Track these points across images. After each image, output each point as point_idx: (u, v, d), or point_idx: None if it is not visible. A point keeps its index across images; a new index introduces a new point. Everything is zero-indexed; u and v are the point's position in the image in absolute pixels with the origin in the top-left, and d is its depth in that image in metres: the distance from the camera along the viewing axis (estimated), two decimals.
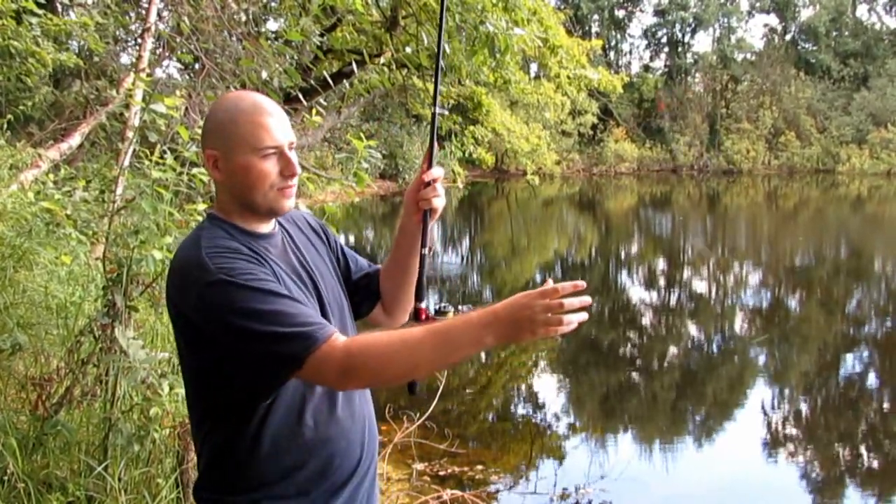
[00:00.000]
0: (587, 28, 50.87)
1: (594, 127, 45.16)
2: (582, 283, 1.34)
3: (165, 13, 7.20)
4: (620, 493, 4.93)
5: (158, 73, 7.88)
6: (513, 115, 17.42)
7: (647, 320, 11.07)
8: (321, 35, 7.91)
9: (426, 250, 1.69)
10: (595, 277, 14.98)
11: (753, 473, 5.52)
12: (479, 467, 5.17)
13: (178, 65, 9.23)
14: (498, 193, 36.79)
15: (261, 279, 1.44)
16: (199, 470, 1.63)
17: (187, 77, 8.67)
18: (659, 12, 54.65)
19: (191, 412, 1.63)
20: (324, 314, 1.60)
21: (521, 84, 11.09)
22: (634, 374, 8.16)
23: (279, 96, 5.86)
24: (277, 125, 1.54)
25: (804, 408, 7.16)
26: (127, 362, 3.07)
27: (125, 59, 9.07)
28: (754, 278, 14.60)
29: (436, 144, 1.71)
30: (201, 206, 3.59)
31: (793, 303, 12.24)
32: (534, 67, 18.39)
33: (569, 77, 11.76)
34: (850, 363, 8.48)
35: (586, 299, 1.33)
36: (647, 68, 56.03)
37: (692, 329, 10.44)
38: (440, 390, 5.41)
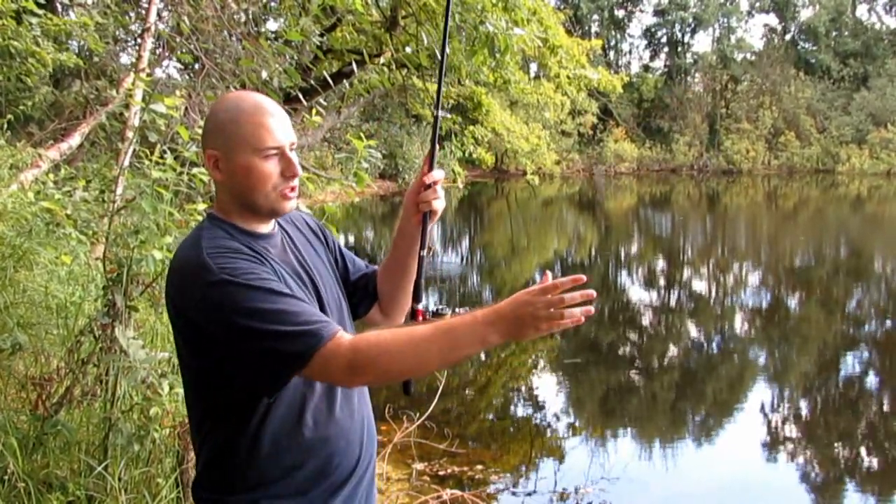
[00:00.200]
0: (587, 28, 50.89)
1: (594, 127, 45.22)
2: (582, 278, 1.35)
3: (165, 13, 7.20)
4: (620, 493, 4.93)
5: (158, 73, 7.88)
6: (512, 115, 17.41)
7: (646, 320, 11.07)
8: (321, 35, 7.92)
9: (425, 252, 1.69)
10: (595, 277, 14.98)
11: (753, 473, 5.52)
12: (479, 467, 5.17)
13: (178, 65, 9.24)
14: (498, 193, 36.80)
15: (263, 278, 1.44)
16: (198, 469, 1.63)
17: (187, 77, 8.67)
18: (659, 12, 54.71)
19: (190, 412, 1.63)
20: (322, 311, 1.60)
21: (520, 84, 11.10)
22: (634, 374, 8.16)
23: (279, 96, 5.86)
24: (279, 126, 1.53)
25: (804, 408, 7.16)
26: (127, 362, 3.07)
27: (125, 59, 9.07)
28: (754, 278, 14.60)
29: (437, 147, 1.70)
30: (201, 206, 3.59)
31: (792, 303, 12.24)
32: (533, 67, 18.40)
33: (568, 77, 11.77)
34: (850, 363, 8.48)
35: (589, 291, 1.35)
36: (646, 68, 56.12)
37: (692, 329, 10.44)
38: (440, 390, 5.41)
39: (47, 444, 3.15)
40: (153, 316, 4.35)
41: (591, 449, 5.85)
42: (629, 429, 6.47)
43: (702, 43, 72.81)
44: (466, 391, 7.26)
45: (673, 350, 9.27)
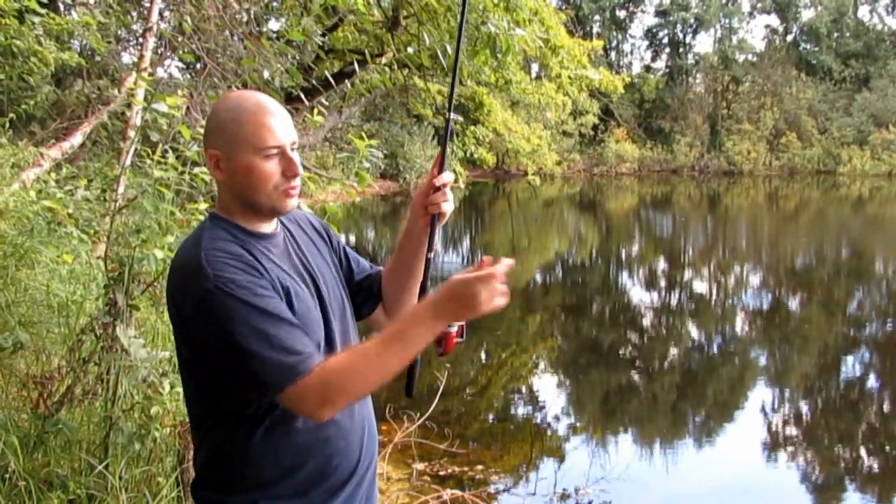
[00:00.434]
0: (588, 28, 50.92)
1: (595, 127, 45.22)
2: (512, 262, 1.45)
3: (167, 13, 7.21)
4: (620, 493, 4.94)
5: (160, 72, 7.88)
6: (514, 116, 17.42)
7: (647, 321, 11.07)
8: (323, 35, 7.91)
9: (432, 254, 1.69)
10: (596, 278, 14.99)
11: (754, 474, 5.52)
12: (480, 467, 5.17)
13: (180, 64, 9.25)
14: (499, 193, 36.80)
15: (258, 294, 1.44)
16: (197, 468, 1.63)
17: (189, 76, 8.68)
18: (660, 13, 54.69)
19: (189, 410, 1.63)
20: (325, 314, 1.61)
21: (522, 84, 11.11)
22: (635, 375, 8.16)
23: (281, 96, 5.86)
24: (280, 125, 1.53)
25: (804, 409, 7.16)
26: (128, 361, 3.07)
27: (127, 58, 9.09)
28: (755, 279, 14.60)
29: (448, 149, 1.70)
30: (203, 206, 3.60)
31: (793, 304, 12.24)
32: (535, 67, 18.39)
33: (570, 77, 11.78)
34: (851, 364, 8.48)
35: (508, 261, 1.45)
36: (648, 69, 56.11)
37: (692, 330, 10.44)
38: (440, 390, 5.42)
39: (48, 442, 3.16)
40: (154, 315, 4.35)
41: (591, 449, 5.86)
42: (630, 429, 6.47)
43: (703, 43, 73.01)
44: (467, 391, 7.26)
45: (673, 351, 9.27)
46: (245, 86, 5.71)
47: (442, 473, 4.99)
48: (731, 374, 8.12)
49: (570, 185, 41.27)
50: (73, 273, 5.15)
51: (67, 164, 6.94)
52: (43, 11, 5.90)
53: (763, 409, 6.92)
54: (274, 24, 10.58)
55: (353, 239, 19.06)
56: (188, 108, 5.24)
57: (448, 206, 1.68)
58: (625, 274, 15.77)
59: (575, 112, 34.59)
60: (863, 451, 6.02)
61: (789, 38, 54.01)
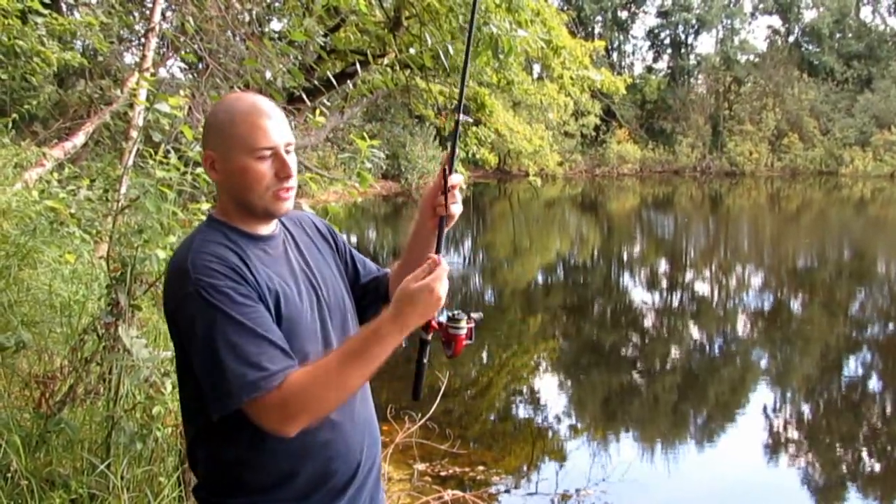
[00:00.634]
0: (590, 29, 50.91)
1: (597, 128, 45.21)
2: (435, 256, 1.47)
3: (169, 13, 7.23)
4: (622, 495, 4.94)
5: (162, 72, 7.89)
6: (516, 116, 17.43)
7: (648, 322, 11.06)
8: (325, 35, 7.92)
9: (439, 257, 1.67)
10: (597, 279, 14.98)
11: (755, 476, 5.52)
12: (481, 468, 5.17)
13: (182, 64, 9.26)
14: (500, 194, 36.80)
15: (235, 301, 1.44)
16: (198, 470, 1.63)
17: (191, 77, 8.69)
18: (662, 13, 54.66)
19: (186, 410, 1.64)
20: (322, 317, 1.61)
21: (524, 85, 11.12)
22: (636, 376, 8.15)
23: (283, 96, 5.86)
24: (274, 127, 1.53)
25: (806, 411, 7.15)
26: (130, 361, 3.08)
27: (129, 58, 9.10)
28: (756, 281, 14.59)
29: (456, 150, 1.68)
30: (205, 206, 3.60)
31: (795, 305, 12.23)
32: (537, 68, 18.38)
33: (572, 78, 11.77)
34: (853, 366, 8.47)
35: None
36: (649, 69, 56.07)
37: (694, 331, 10.43)
38: (442, 391, 5.42)
39: (50, 442, 3.16)
40: (156, 315, 4.36)
41: (592, 451, 5.86)
42: (631, 431, 6.47)
43: (705, 44, 72.95)
44: (468, 392, 7.26)
45: (675, 352, 9.26)
46: (247, 86, 5.71)
47: (443, 474, 5.00)
48: (732, 375, 8.12)
49: (572, 185, 41.25)
50: (76, 273, 5.16)
51: (70, 164, 6.95)
52: (46, 12, 5.92)
53: (764, 411, 6.92)
54: (276, 25, 10.58)
55: (354, 239, 19.06)
56: (190, 108, 5.25)
57: (456, 209, 1.67)
58: (626, 275, 15.77)
59: (577, 113, 34.63)
60: (864, 453, 6.01)
61: (791, 38, 53.97)
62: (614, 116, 47.31)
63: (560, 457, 5.78)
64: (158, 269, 3.18)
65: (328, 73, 8.48)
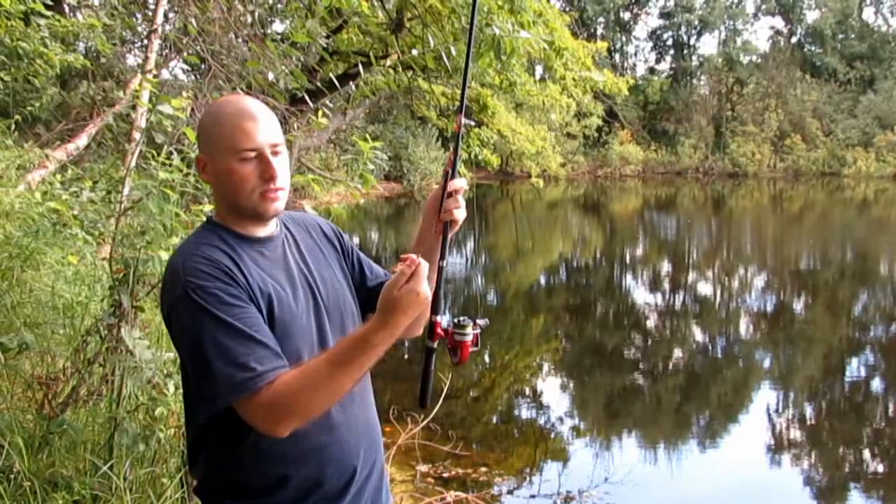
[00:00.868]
0: (592, 30, 50.91)
1: (599, 129, 45.17)
2: (413, 257, 1.43)
3: (172, 15, 7.24)
4: (624, 496, 4.93)
5: (165, 74, 7.91)
6: (518, 118, 17.45)
7: (651, 323, 11.05)
8: (327, 37, 7.92)
9: (444, 262, 1.64)
10: (600, 280, 14.97)
11: (758, 477, 5.51)
12: (483, 469, 5.17)
13: (185, 66, 9.27)
14: (503, 196, 36.79)
15: (224, 302, 1.45)
16: (199, 470, 1.63)
17: (194, 78, 8.71)
18: (664, 14, 54.65)
19: (188, 410, 1.63)
20: (319, 320, 1.61)
21: (526, 86, 11.13)
22: (639, 377, 8.15)
23: (285, 98, 5.87)
24: (257, 128, 1.54)
25: (809, 412, 7.14)
26: (133, 362, 3.08)
27: (132, 60, 9.12)
28: (759, 282, 14.57)
29: (459, 154, 1.67)
30: (207, 208, 3.61)
31: (798, 307, 12.22)
32: (539, 69, 18.41)
33: (574, 79, 11.79)
34: (856, 367, 8.46)
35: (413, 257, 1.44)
36: (652, 71, 56.07)
37: (697, 332, 10.42)
38: (444, 392, 5.42)
39: (53, 443, 3.16)
40: (159, 316, 4.35)
41: (595, 452, 5.85)
42: (634, 432, 6.46)
43: (707, 45, 72.57)
44: (471, 393, 7.26)
45: (678, 353, 9.25)
46: (249, 87, 5.72)
47: (446, 475, 4.99)
48: (735, 376, 8.11)
49: (574, 187, 41.24)
50: (79, 274, 5.17)
51: (73, 165, 6.97)
52: (48, 13, 5.93)
53: (767, 412, 6.91)
54: (278, 27, 10.60)
55: (357, 241, 19.06)
56: (193, 109, 5.25)
57: (460, 214, 1.65)
58: (629, 276, 15.75)
59: (579, 114, 34.58)
60: (867, 454, 6.00)
61: (794, 39, 53.94)
62: (617, 118, 47.28)
63: (563, 458, 5.78)
64: (161, 270, 3.18)
65: (331, 74, 8.50)
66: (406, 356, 7.38)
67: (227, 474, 1.56)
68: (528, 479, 5.25)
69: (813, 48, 52.54)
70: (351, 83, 9.68)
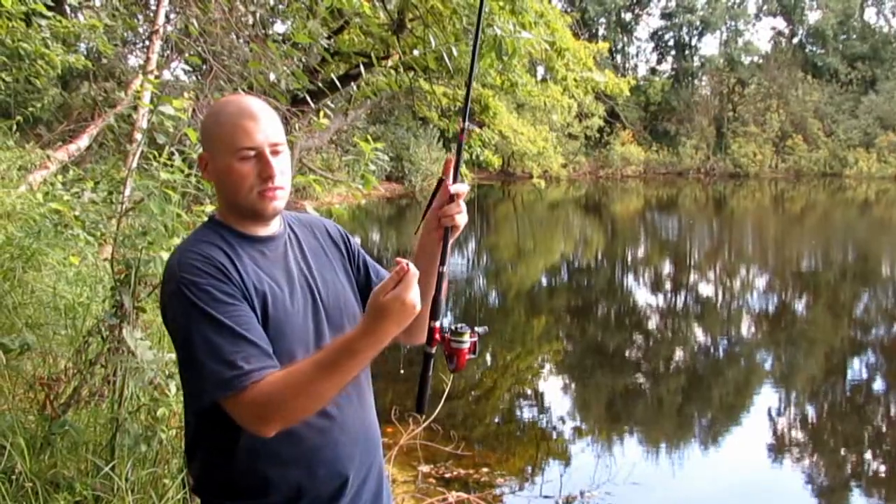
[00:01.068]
0: (594, 31, 50.90)
1: (601, 130, 45.17)
2: (404, 263, 1.40)
3: (173, 15, 7.23)
4: (626, 497, 4.92)
5: (166, 75, 7.91)
6: (520, 118, 17.45)
7: (653, 324, 11.05)
8: (328, 38, 7.92)
9: (444, 268, 1.60)
10: (601, 281, 14.97)
11: (760, 478, 5.51)
12: (485, 470, 5.16)
13: (186, 67, 9.27)
14: (504, 196, 36.79)
15: (216, 299, 1.45)
16: (194, 469, 1.64)
17: (195, 79, 8.71)
18: (666, 15, 54.67)
19: (186, 410, 1.65)
20: (316, 320, 1.60)
21: (527, 87, 11.11)
22: (640, 378, 8.14)
23: (286, 98, 5.87)
24: (256, 127, 1.54)
25: (811, 412, 7.14)
26: (134, 363, 3.08)
27: (133, 61, 9.12)
28: (761, 283, 14.57)
29: (461, 158, 1.63)
30: (209, 208, 3.61)
31: (799, 307, 12.21)
32: (541, 70, 18.41)
33: (575, 80, 11.78)
34: (857, 368, 8.46)
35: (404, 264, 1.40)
36: (653, 71, 56.09)
37: (698, 333, 10.42)
38: (446, 392, 5.41)
39: (55, 444, 3.16)
40: (160, 317, 4.36)
41: (597, 452, 5.85)
42: (635, 432, 6.46)
43: (709, 46, 72.75)
44: (472, 394, 7.26)
45: (680, 354, 9.25)
46: (251, 88, 5.72)
47: (447, 476, 4.99)
48: (737, 377, 8.10)
49: (576, 187, 41.24)
50: (80, 275, 5.17)
51: (74, 166, 6.97)
52: (50, 14, 5.93)
53: (769, 413, 6.90)
54: (280, 27, 10.60)
55: (358, 241, 19.02)
56: (194, 110, 5.25)
57: (461, 219, 1.61)
58: (630, 277, 15.75)
59: (580, 115, 34.58)
60: (869, 455, 5.99)
61: (795, 40, 53.94)
62: (618, 118, 47.28)
63: (564, 459, 5.77)
64: (162, 271, 3.18)
65: (332, 75, 8.50)
66: (408, 357, 7.38)
67: (222, 473, 1.56)
68: (529, 479, 5.24)
69: (814, 49, 52.54)
70: (352, 84, 9.68)
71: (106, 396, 3.26)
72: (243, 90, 5.85)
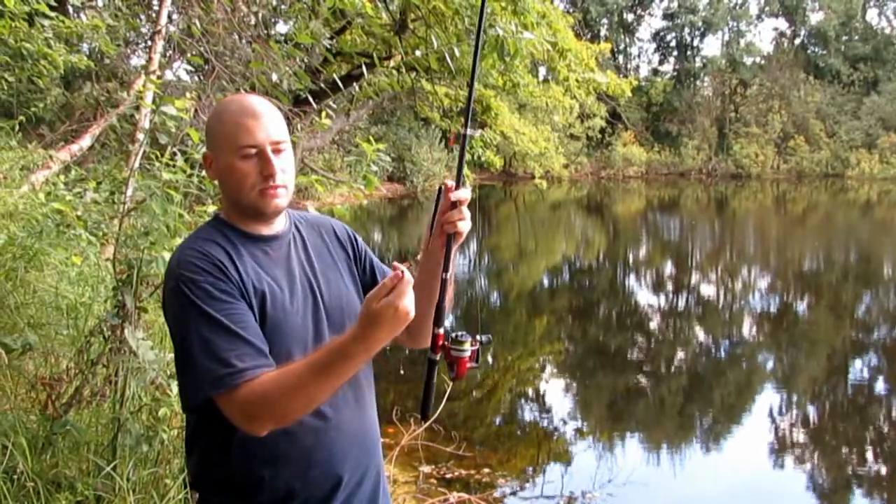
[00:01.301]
0: (596, 31, 50.91)
1: (602, 130, 45.17)
2: (400, 270, 1.38)
3: (176, 16, 7.24)
4: (627, 497, 4.92)
5: (169, 75, 7.91)
6: (521, 119, 17.44)
7: (654, 324, 11.04)
8: (331, 38, 7.93)
9: (448, 275, 1.58)
10: (603, 281, 14.96)
11: (762, 479, 5.50)
12: (486, 470, 5.16)
13: (189, 67, 9.27)
14: (506, 197, 36.78)
15: (212, 297, 1.46)
16: (192, 463, 1.65)
17: (197, 79, 8.71)
18: (668, 16, 54.64)
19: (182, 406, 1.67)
20: (316, 319, 1.60)
21: (529, 87, 11.12)
22: (642, 378, 8.13)
23: (289, 99, 5.87)
24: (259, 125, 1.54)
25: (812, 413, 7.13)
26: (136, 363, 3.08)
27: (136, 61, 9.12)
28: (762, 283, 14.56)
29: (464, 164, 1.62)
30: (211, 208, 3.61)
31: (801, 308, 12.20)
32: (542, 71, 18.40)
33: (577, 80, 11.78)
34: (859, 369, 8.44)
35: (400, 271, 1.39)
36: (655, 72, 56.07)
37: (700, 333, 10.41)
38: (447, 393, 5.41)
39: (56, 444, 3.17)
40: (162, 317, 4.36)
41: (598, 453, 5.84)
42: (637, 433, 6.45)
43: (711, 47, 72.75)
44: (474, 394, 7.26)
45: (681, 354, 9.24)
46: (253, 88, 5.73)
47: (448, 476, 4.99)
48: (738, 377, 8.10)
49: (578, 188, 41.22)
50: (82, 275, 5.18)
51: (76, 166, 6.98)
52: (52, 14, 5.93)
53: (771, 414, 6.90)
54: (282, 27, 10.62)
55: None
56: (196, 110, 5.25)
57: (464, 226, 1.59)
58: (632, 277, 15.74)
59: (582, 115, 34.61)
60: (871, 456, 5.99)
61: (797, 41, 53.88)
62: (620, 119, 47.27)
63: (566, 459, 5.77)
64: (164, 271, 3.18)
65: (334, 75, 8.50)
66: (409, 357, 7.38)
67: (217, 469, 1.57)
68: (531, 480, 5.24)
69: (816, 50, 52.49)
70: (354, 84, 9.68)
71: (107, 396, 3.26)
72: (245, 90, 5.85)
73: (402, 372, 5.90)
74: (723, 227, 24.44)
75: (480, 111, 12.55)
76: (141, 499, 3.06)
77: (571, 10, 42.80)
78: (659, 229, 24.60)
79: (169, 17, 6.75)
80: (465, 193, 1.58)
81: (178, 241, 3.23)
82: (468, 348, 1.51)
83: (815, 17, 53.22)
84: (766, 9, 54.20)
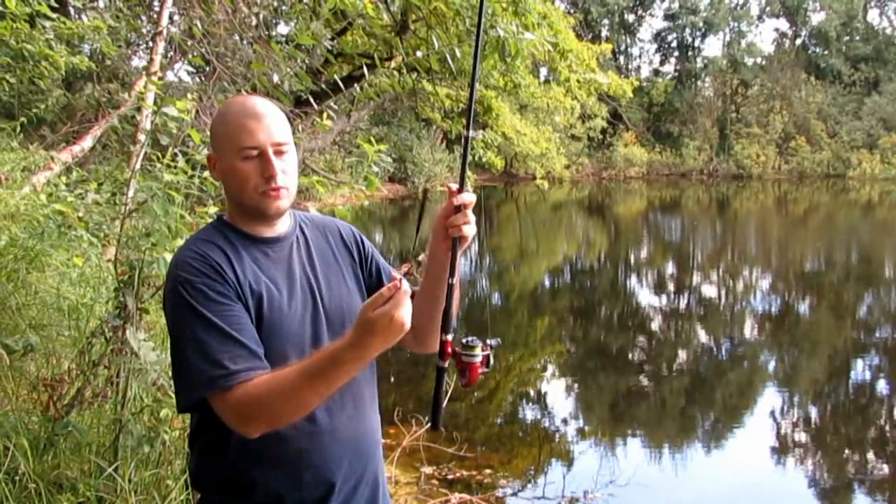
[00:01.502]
0: (597, 32, 50.92)
1: (604, 131, 45.17)
2: (398, 280, 1.37)
3: (177, 17, 7.25)
4: (629, 498, 4.92)
5: (170, 76, 7.92)
6: (522, 119, 17.44)
7: (656, 325, 11.04)
8: (332, 39, 7.93)
9: (454, 280, 1.56)
10: (604, 282, 14.96)
11: (763, 479, 5.50)
12: (488, 471, 5.16)
13: (190, 68, 9.28)
14: (507, 197, 36.79)
15: (209, 298, 1.47)
16: (192, 461, 1.65)
17: (198, 80, 8.72)
18: (669, 16, 54.62)
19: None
20: (315, 322, 1.60)
21: (530, 88, 11.12)
22: (644, 379, 8.13)
23: (290, 100, 5.88)
24: (260, 127, 1.54)
25: (814, 414, 7.12)
26: (138, 364, 3.08)
27: (137, 62, 9.13)
28: (764, 284, 14.55)
29: (466, 167, 1.59)
30: (212, 209, 3.61)
31: (802, 308, 12.19)
32: (543, 71, 18.40)
33: (578, 81, 11.79)
34: (861, 369, 8.43)
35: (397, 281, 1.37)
36: (656, 72, 56.06)
37: (701, 334, 10.40)
38: (448, 394, 5.41)
39: (58, 445, 3.16)
40: (164, 318, 4.36)
41: (599, 454, 5.84)
42: (638, 434, 6.45)
43: (712, 47, 72.77)
44: (475, 395, 7.25)
45: (683, 355, 9.24)
46: (254, 89, 5.73)
47: (450, 477, 4.99)
48: (740, 378, 8.09)
49: (579, 188, 41.22)
50: (83, 276, 5.17)
51: (78, 167, 6.97)
52: (54, 15, 5.94)
53: (773, 414, 6.89)
54: (283, 29, 10.61)
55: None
56: (198, 111, 5.26)
57: (469, 230, 1.56)
58: (633, 278, 15.74)
59: (583, 116, 34.60)
60: (872, 457, 5.98)
61: (798, 41, 53.88)
62: (621, 119, 47.28)
63: (567, 460, 5.77)
64: (165, 272, 3.19)
65: (335, 76, 8.50)
66: (411, 358, 7.38)
67: (215, 469, 1.58)
68: (532, 480, 5.24)
69: (817, 50, 52.47)
70: (355, 85, 9.68)
71: (109, 397, 3.26)
72: (247, 91, 5.86)
73: (403, 373, 5.91)
74: (724, 228, 24.43)
75: (482, 112, 12.55)
76: (143, 500, 3.06)
77: (572, 11, 42.80)
78: (660, 230, 24.60)
79: (170, 18, 6.76)
80: (469, 197, 1.56)
81: (180, 242, 3.24)
82: (479, 353, 1.50)
83: (817, 18, 53.28)
84: (767, 9, 54.21)
